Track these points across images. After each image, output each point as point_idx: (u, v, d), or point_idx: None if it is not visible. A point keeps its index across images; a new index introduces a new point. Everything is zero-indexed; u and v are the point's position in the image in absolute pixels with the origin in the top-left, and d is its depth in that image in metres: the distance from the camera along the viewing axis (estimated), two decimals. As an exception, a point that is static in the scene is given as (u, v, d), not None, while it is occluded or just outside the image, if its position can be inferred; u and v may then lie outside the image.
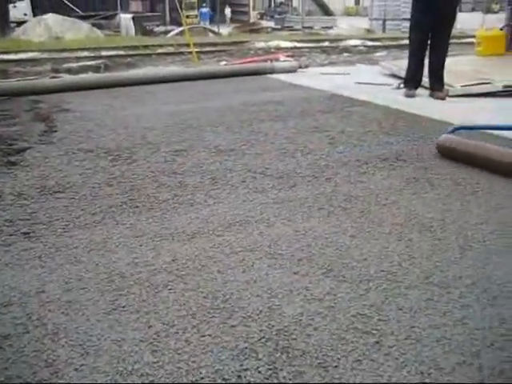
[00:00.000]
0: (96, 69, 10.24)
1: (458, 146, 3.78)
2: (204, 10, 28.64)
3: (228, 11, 28.87)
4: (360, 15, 39.81)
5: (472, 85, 6.28)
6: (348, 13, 45.46)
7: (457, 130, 4.16)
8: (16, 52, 12.75)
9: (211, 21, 28.07)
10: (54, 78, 8.08)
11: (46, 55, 12.27)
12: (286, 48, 14.89)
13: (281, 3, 37.94)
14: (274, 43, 16.16)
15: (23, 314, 1.98)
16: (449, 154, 3.82)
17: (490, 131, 4.35)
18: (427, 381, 1.64)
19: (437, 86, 6.15)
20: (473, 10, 39.81)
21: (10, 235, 2.65)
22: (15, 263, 2.37)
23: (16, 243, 2.56)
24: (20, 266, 2.34)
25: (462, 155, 3.73)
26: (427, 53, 6.15)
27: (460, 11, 27.31)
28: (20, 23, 20.31)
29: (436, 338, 1.84)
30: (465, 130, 4.27)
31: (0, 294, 2.12)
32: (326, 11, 34.49)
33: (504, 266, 2.33)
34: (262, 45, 15.82)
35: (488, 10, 29.96)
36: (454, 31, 15.40)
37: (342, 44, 16.45)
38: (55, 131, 4.68)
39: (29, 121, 5.13)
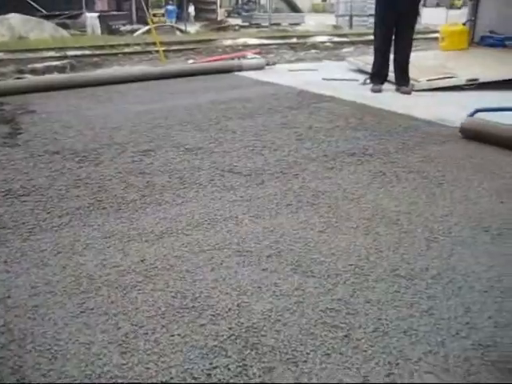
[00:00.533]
0: (62, 69, 10.07)
1: (483, 129, 4.17)
2: (170, 7, 28.34)
3: (191, 9, 28.30)
4: (327, 12, 40.01)
5: (437, 79, 6.38)
6: (315, 9, 45.64)
7: (478, 111, 4.39)
8: (-22, 53, 12.48)
9: (178, 18, 27.85)
10: (18, 78, 7.92)
11: (9, 56, 12.02)
12: (254, 45, 14.89)
13: (248, 1, 37.86)
14: (241, 41, 16.14)
15: (-12, 321, 1.95)
16: (474, 136, 4.20)
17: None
18: (395, 371, 1.67)
19: (402, 80, 6.24)
20: (437, 5, 40.37)
21: (-26, 240, 2.60)
22: (-20, 269, 2.33)
23: (-20, 248, 2.52)
24: (-15, 272, 2.30)
25: (488, 137, 4.10)
26: (392, 48, 6.23)
27: (425, 6, 27.71)
28: (-18, 24, 19.85)
29: (403, 330, 1.87)
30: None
31: (-36, 300, 2.09)
32: (294, 8, 34.55)
33: (468, 257, 2.38)
34: (229, 42, 15.79)
35: (451, 6, 30.44)
36: (419, 26, 15.62)
37: (310, 40, 16.52)
38: (20, 133, 4.60)
39: (-8, 123, 5.03)
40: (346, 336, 1.84)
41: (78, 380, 1.64)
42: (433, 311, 1.98)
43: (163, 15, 27.70)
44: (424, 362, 1.71)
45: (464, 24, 8.88)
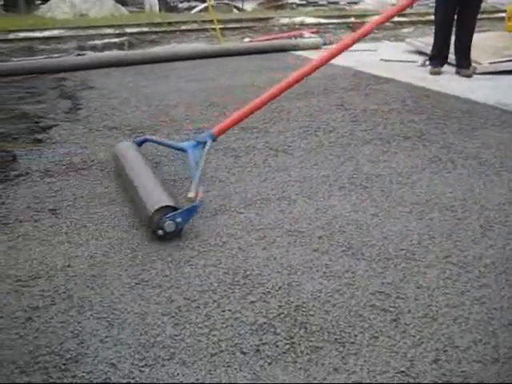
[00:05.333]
0: (120, 46, 10.26)
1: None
2: None
3: None
4: (387, -10, 39.02)
5: (500, 62, 6.16)
6: (375, -13, 44.62)
7: (146, 141, 3.46)
8: (41, 29, 12.82)
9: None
10: (78, 55, 8.14)
11: (70, 33, 12.30)
12: (311, 24, 14.71)
13: (306, -22, 37.37)
14: (298, 19, 15.95)
15: (51, 287, 2.06)
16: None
17: None
18: (443, 358, 1.66)
19: (463, 62, 6.04)
20: (505, -17, 38.75)
21: (38, 211, 2.72)
22: (43, 238, 2.45)
23: (43, 219, 2.64)
24: (47, 241, 2.42)
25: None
26: (454, 29, 6.04)
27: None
28: (45, 1, 20.39)
29: (453, 317, 1.86)
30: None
31: (29, 267, 2.20)
32: (352, -14, 33.86)
33: (525, 247, 2.33)
34: (286, 21, 15.64)
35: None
36: (486, 5, 14.95)
37: (368, 20, 16.19)
38: (80, 109, 4.75)
39: (55, 98, 5.21)
40: (394, 320, 1.85)
41: (132, 347, 1.71)
42: (484, 300, 1.96)
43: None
44: (473, 350, 1.70)
45: (533, 4, 8.49)
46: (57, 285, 2.07)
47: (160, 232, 2.38)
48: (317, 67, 3.21)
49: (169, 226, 2.37)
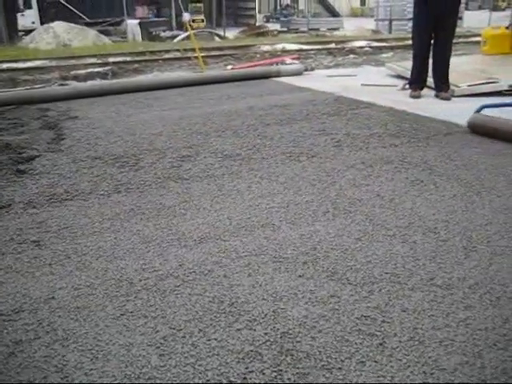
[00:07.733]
0: (103, 75, 10.29)
1: (487, 123, 4.47)
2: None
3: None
4: (366, 16, 39.77)
5: (478, 84, 6.29)
6: (354, 14, 45.46)
7: (484, 107, 4.73)
8: (24, 60, 12.85)
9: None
10: (61, 85, 8.15)
11: (53, 63, 12.34)
12: (292, 51, 14.91)
13: (286, 5, 38.02)
14: (280, 46, 16.17)
15: (34, 321, 2.03)
16: (480, 130, 4.50)
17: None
18: (430, 381, 1.66)
19: (442, 86, 6.16)
20: (480, 7, 39.59)
21: (21, 243, 2.70)
22: (26, 270, 2.42)
23: (26, 251, 2.61)
24: (30, 274, 2.39)
25: (491, 131, 4.40)
26: (432, 53, 6.16)
27: (467, 9, 27.15)
28: (28, 31, 20.48)
29: (439, 339, 1.87)
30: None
31: (11, 301, 2.17)
32: (332, 12, 34.46)
33: (508, 267, 2.35)
34: (268, 48, 15.84)
35: (495, 8, 29.70)
36: (461, 30, 15.28)
37: (348, 45, 16.42)
38: (63, 139, 4.74)
39: (38, 129, 5.20)
40: (380, 344, 1.85)
41: (118, 379, 1.69)
42: (470, 321, 1.97)
43: (203, 21, 27.90)
44: (460, 372, 1.70)
45: (507, 28, 8.70)
46: (40, 318, 2.05)
47: None
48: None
49: None
